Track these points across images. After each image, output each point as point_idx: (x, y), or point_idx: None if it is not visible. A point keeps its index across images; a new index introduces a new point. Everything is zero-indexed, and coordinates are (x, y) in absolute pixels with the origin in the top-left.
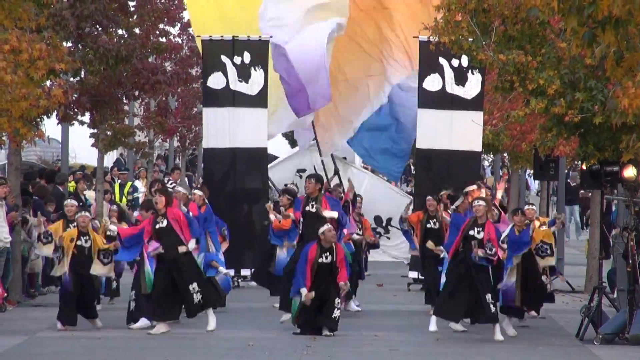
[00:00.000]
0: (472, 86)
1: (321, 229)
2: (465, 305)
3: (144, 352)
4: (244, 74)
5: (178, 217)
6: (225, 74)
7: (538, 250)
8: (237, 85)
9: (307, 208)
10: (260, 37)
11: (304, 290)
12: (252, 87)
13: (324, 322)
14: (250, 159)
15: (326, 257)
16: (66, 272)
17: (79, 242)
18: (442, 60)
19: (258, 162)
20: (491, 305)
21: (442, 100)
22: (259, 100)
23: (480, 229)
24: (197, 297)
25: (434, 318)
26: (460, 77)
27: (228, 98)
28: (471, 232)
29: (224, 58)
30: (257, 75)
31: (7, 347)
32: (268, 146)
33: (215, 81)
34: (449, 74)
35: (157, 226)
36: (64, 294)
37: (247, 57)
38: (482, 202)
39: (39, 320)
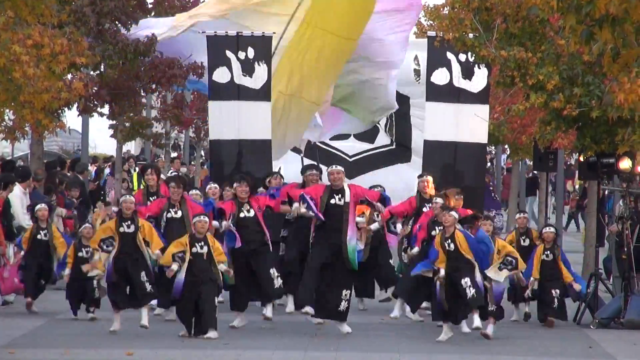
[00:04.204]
0: (479, 80)
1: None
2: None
3: (163, 336)
4: (248, 68)
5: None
6: (230, 69)
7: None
8: (241, 80)
9: (332, 201)
10: (263, 33)
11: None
12: (255, 81)
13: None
14: (255, 150)
15: (339, 199)
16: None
17: (121, 229)
18: (449, 55)
19: (262, 153)
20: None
21: (450, 94)
22: (263, 94)
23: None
24: (278, 282)
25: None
26: (467, 71)
27: (233, 92)
28: (433, 233)
29: (228, 53)
30: (260, 70)
31: (30, 329)
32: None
33: (221, 75)
34: (456, 68)
35: (242, 215)
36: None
37: (250, 52)
38: (439, 200)
39: (60, 303)
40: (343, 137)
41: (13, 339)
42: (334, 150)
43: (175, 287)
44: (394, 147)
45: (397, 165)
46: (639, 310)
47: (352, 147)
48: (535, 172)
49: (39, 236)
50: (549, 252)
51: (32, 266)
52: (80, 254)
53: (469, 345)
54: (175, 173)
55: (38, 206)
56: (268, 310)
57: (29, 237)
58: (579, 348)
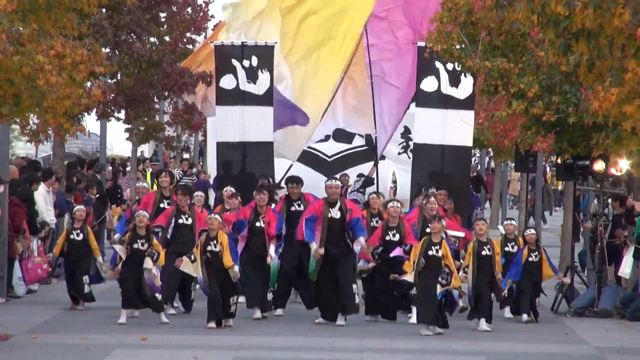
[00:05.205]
0: (465, 87)
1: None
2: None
3: (176, 324)
4: (252, 76)
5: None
6: (236, 76)
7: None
8: (246, 86)
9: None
10: (266, 42)
11: (313, 245)
12: (259, 87)
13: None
14: (258, 151)
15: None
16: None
17: (135, 246)
18: (437, 64)
19: (265, 154)
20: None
21: (438, 100)
22: (266, 99)
23: (395, 231)
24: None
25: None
26: (454, 79)
27: (238, 97)
28: (387, 238)
29: (234, 61)
30: (263, 77)
31: (51, 316)
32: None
33: (227, 82)
34: (444, 76)
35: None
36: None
37: (254, 60)
38: (398, 204)
39: None
40: (323, 139)
41: (36, 324)
42: (314, 152)
43: (200, 285)
44: (368, 147)
45: (372, 162)
46: (611, 300)
47: (331, 147)
48: (478, 170)
49: (72, 236)
50: (536, 252)
51: (69, 267)
52: (135, 246)
53: (457, 334)
54: (182, 173)
55: (77, 207)
56: (257, 313)
57: (64, 237)
58: (556, 335)
